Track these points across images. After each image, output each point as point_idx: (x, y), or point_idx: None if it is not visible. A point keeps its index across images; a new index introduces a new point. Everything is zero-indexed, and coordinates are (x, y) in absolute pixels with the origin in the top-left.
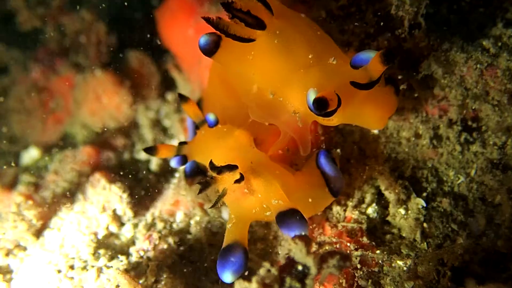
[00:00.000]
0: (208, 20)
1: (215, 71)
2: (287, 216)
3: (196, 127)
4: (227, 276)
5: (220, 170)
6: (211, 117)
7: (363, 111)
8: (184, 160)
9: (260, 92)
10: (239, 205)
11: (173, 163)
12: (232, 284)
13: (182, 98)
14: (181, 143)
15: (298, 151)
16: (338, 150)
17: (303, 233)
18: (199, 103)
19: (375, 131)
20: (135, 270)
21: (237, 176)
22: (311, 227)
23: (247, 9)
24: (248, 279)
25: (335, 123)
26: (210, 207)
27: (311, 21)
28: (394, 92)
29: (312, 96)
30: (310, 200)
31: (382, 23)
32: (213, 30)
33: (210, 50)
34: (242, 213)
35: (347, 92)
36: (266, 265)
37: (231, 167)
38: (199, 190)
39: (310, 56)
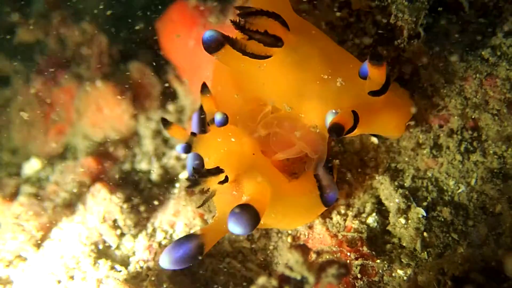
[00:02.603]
0: (227, 38)
1: (219, 71)
2: (238, 207)
3: (206, 124)
4: (163, 260)
5: (204, 174)
6: (218, 116)
7: (383, 119)
8: (188, 149)
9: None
10: (227, 207)
11: (179, 148)
12: None
13: (204, 89)
14: (193, 134)
15: (298, 160)
16: (337, 161)
17: (240, 230)
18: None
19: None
20: (135, 280)
21: (222, 178)
22: (311, 236)
23: (263, 28)
24: None
25: (355, 134)
26: (198, 207)
27: (321, 32)
28: (409, 95)
29: (329, 118)
30: (301, 207)
31: (381, 33)
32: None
33: (212, 47)
34: (226, 213)
35: (364, 105)
36: (266, 275)
37: (215, 172)
38: (187, 187)
39: (327, 70)
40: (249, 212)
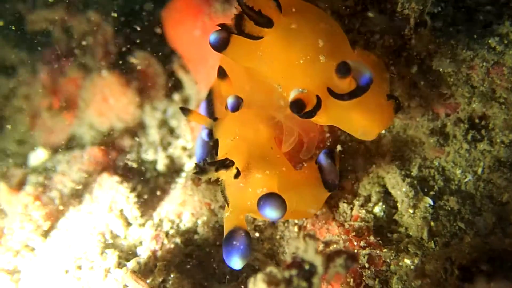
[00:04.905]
0: (228, 29)
1: (227, 60)
2: (264, 197)
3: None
4: (235, 262)
5: (217, 167)
6: (230, 100)
7: (351, 116)
8: (211, 135)
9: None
10: (235, 197)
11: (203, 133)
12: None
13: (221, 73)
14: (214, 119)
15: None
16: (338, 146)
17: (276, 214)
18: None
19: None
20: (142, 270)
21: (234, 172)
22: (317, 225)
23: (257, 7)
24: (254, 278)
25: (324, 122)
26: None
27: (324, 14)
28: (393, 108)
29: (292, 96)
30: (307, 195)
31: (387, 22)
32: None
33: (220, 46)
34: (237, 204)
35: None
36: (273, 264)
37: (227, 165)
38: (195, 172)
39: (315, 53)
40: (279, 196)
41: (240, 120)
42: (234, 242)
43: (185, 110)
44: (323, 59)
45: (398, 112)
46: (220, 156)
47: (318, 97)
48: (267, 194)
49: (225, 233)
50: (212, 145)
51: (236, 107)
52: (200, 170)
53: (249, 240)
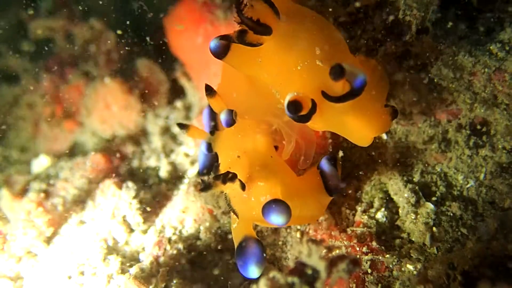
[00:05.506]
0: (229, 38)
1: (228, 66)
2: (268, 204)
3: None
4: (252, 271)
5: (224, 180)
6: (223, 116)
7: (346, 120)
8: (210, 148)
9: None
10: (240, 208)
11: (203, 147)
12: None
13: (208, 91)
14: (211, 132)
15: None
16: (340, 152)
17: (282, 220)
18: None
19: (384, 136)
20: (145, 276)
21: (238, 184)
22: (320, 231)
23: (256, 14)
24: (257, 283)
25: (320, 128)
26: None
27: (324, 20)
28: (390, 114)
29: (288, 98)
30: (309, 200)
31: (389, 28)
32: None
33: (220, 53)
34: (243, 214)
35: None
36: (275, 270)
37: (231, 178)
38: (201, 189)
39: (312, 59)
40: (284, 202)
41: (237, 133)
42: (248, 251)
43: (183, 126)
44: (319, 64)
45: (400, 118)
46: (223, 170)
47: (313, 101)
48: (271, 200)
49: (236, 244)
50: (213, 157)
51: (230, 122)
52: (205, 186)
53: (262, 246)
